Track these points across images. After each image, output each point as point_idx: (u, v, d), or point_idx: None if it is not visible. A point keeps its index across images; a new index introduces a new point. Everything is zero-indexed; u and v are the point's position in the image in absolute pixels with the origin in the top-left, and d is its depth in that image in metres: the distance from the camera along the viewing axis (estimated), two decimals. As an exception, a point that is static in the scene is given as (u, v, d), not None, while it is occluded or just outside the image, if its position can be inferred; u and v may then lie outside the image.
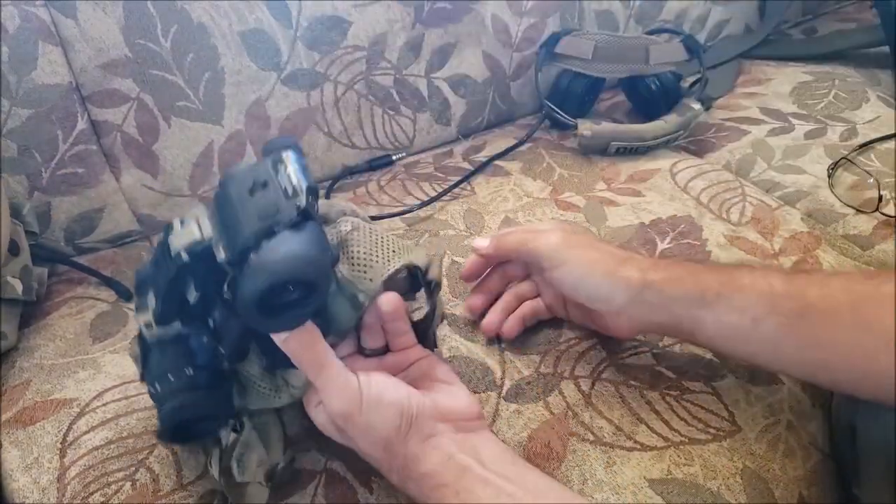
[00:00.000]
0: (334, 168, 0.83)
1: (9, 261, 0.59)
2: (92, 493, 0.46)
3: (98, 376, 0.55)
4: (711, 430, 0.49)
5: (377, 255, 0.40)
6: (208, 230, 0.37)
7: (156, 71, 0.69)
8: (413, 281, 0.44)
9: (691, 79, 0.92)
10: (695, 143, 0.86)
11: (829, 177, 0.74)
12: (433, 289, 0.45)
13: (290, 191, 0.36)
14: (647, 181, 0.77)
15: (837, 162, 0.75)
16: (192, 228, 0.38)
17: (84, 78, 0.67)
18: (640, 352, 0.54)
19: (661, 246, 0.66)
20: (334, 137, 0.81)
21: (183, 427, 0.41)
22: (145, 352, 0.42)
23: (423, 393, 0.40)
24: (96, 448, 0.49)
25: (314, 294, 0.35)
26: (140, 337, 0.42)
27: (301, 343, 0.37)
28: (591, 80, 0.87)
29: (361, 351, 0.44)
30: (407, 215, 0.72)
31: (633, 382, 0.52)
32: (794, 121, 0.87)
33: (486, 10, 0.86)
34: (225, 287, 0.36)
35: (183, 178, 0.75)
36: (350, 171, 0.83)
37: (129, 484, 0.47)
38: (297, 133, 0.78)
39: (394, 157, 0.84)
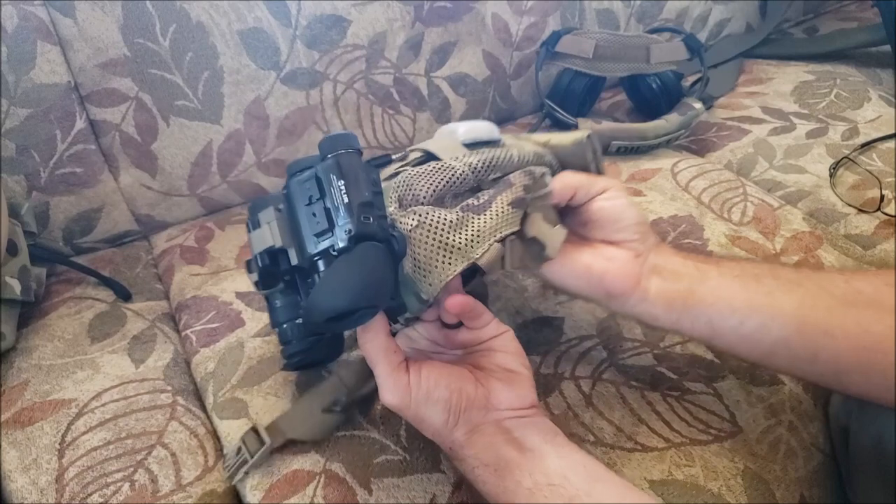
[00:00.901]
0: (334, 167, 0.83)
1: (7, 261, 0.59)
2: (90, 494, 0.46)
3: (96, 377, 0.55)
4: (712, 431, 0.49)
5: (438, 258, 0.40)
6: (278, 237, 0.41)
7: (154, 70, 0.69)
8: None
9: (692, 78, 0.92)
10: (696, 142, 0.86)
11: (830, 176, 0.74)
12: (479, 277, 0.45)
13: (341, 210, 0.38)
14: (648, 180, 0.77)
15: (839, 161, 0.75)
16: (265, 234, 0.41)
17: (83, 77, 0.67)
18: (640, 352, 0.54)
19: (662, 246, 0.66)
20: (334, 137, 0.81)
21: (301, 363, 0.47)
22: (267, 297, 0.45)
23: (479, 383, 0.42)
24: (95, 449, 0.49)
25: (375, 309, 0.38)
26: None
27: (365, 335, 0.40)
28: (591, 79, 0.87)
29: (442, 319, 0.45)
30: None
31: (633, 383, 0.51)
32: (796, 120, 0.86)
33: (486, 9, 0.85)
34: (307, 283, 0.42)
35: (182, 177, 0.75)
36: (350, 171, 0.83)
37: (127, 485, 0.47)
38: (295, 132, 0.78)
39: (393, 157, 0.84)
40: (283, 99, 0.76)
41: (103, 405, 0.52)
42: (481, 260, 0.41)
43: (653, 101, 0.86)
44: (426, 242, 0.40)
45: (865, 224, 0.68)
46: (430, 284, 0.40)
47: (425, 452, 0.47)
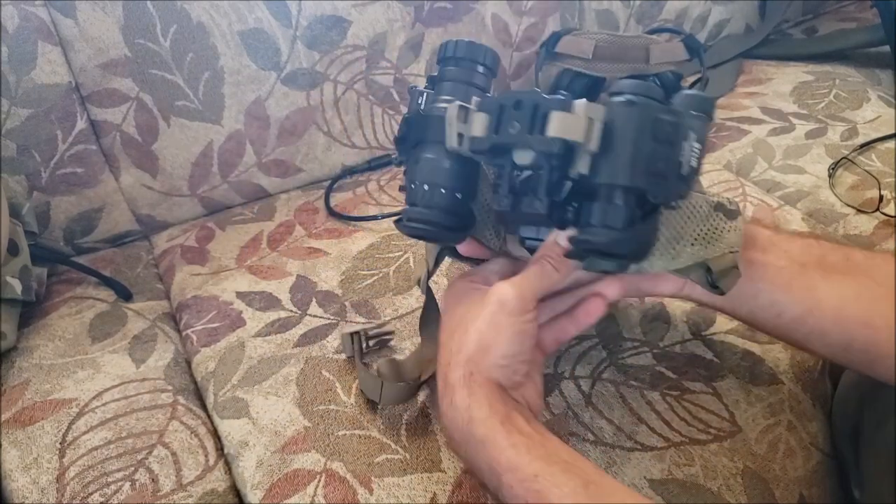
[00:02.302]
0: (334, 168, 0.83)
1: (8, 261, 0.59)
2: (91, 494, 0.46)
3: (97, 376, 0.55)
4: (712, 431, 0.49)
5: (663, 250, 0.39)
6: (596, 141, 0.34)
7: (155, 70, 0.69)
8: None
9: (692, 78, 0.92)
10: (695, 142, 0.86)
11: (829, 177, 0.74)
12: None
13: (685, 170, 0.34)
14: (648, 181, 0.77)
15: (838, 162, 0.75)
16: (579, 125, 0.34)
17: (83, 77, 0.67)
18: (640, 352, 0.54)
19: (662, 246, 0.66)
20: (334, 137, 0.81)
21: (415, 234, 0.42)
22: (411, 135, 0.41)
23: (528, 375, 0.41)
24: (95, 448, 0.49)
25: None
26: (413, 119, 0.42)
27: (566, 262, 0.39)
28: (591, 80, 0.87)
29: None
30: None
31: (633, 382, 0.51)
32: (795, 120, 0.86)
33: (486, 10, 0.86)
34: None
35: (182, 177, 0.75)
36: (350, 171, 0.83)
37: (128, 484, 0.47)
38: (296, 133, 0.78)
39: (393, 157, 0.84)
40: (284, 99, 0.76)
41: (104, 405, 0.53)
42: (714, 263, 0.40)
43: (652, 101, 0.86)
44: (666, 227, 0.39)
45: (864, 224, 0.68)
46: (651, 265, 0.40)
47: (426, 451, 0.47)
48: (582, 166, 0.35)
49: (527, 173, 0.37)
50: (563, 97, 0.36)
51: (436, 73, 0.44)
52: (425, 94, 0.43)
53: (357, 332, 0.54)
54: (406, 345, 0.56)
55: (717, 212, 0.40)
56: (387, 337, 0.56)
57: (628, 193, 0.34)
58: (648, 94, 0.35)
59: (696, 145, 0.34)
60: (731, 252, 0.40)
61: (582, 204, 0.36)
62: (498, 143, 0.37)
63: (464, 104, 0.39)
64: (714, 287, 0.41)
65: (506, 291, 0.38)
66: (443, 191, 0.40)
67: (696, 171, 0.35)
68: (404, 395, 0.49)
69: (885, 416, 0.46)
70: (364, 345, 0.54)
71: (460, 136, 0.38)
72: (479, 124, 0.37)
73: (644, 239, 0.36)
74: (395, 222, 0.43)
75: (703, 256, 0.40)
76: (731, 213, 0.41)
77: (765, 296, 0.42)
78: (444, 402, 0.39)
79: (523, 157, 0.36)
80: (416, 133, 0.42)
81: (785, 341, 0.47)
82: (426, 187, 0.40)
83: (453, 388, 0.38)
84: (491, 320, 0.38)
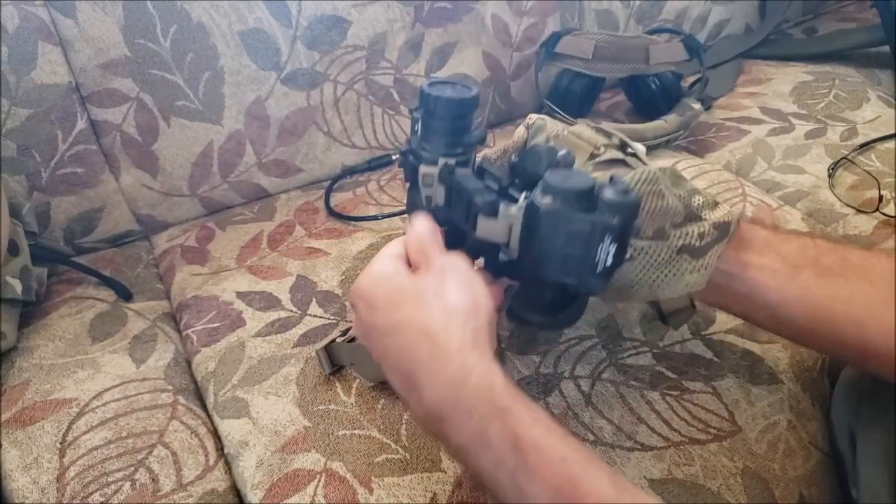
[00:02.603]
0: (334, 168, 0.83)
1: (8, 261, 0.59)
2: (91, 494, 0.46)
3: (97, 376, 0.55)
4: (711, 430, 0.49)
5: (615, 294, 0.41)
6: (516, 247, 0.39)
7: (155, 71, 0.69)
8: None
9: (691, 78, 0.92)
10: (695, 142, 0.86)
11: (829, 177, 0.74)
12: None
13: (600, 269, 0.36)
14: (648, 181, 0.77)
15: (838, 162, 0.75)
16: (499, 226, 0.38)
17: (84, 78, 0.67)
18: (640, 352, 0.54)
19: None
20: (334, 137, 0.81)
21: None
22: (407, 166, 0.44)
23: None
24: (96, 448, 0.49)
25: None
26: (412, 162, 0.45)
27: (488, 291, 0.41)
28: (591, 80, 0.87)
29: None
30: (406, 215, 0.72)
31: (633, 382, 0.51)
32: (795, 120, 0.86)
33: (486, 10, 0.86)
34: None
35: (182, 177, 0.75)
36: (350, 171, 0.83)
37: (128, 484, 0.47)
38: (296, 133, 0.78)
39: (394, 157, 0.84)
40: (284, 99, 0.76)
41: (104, 404, 0.53)
42: (665, 303, 0.43)
43: (652, 101, 0.86)
44: (624, 276, 0.40)
45: (864, 224, 0.68)
46: (604, 299, 0.42)
47: (426, 451, 0.47)
48: (511, 253, 0.39)
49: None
50: (492, 197, 0.39)
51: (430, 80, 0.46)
52: (418, 124, 0.43)
53: (333, 340, 0.54)
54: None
55: (680, 255, 0.41)
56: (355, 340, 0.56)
57: (550, 283, 0.38)
58: (572, 196, 0.36)
59: (613, 247, 0.36)
60: (686, 293, 0.42)
61: (517, 274, 0.41)
62: (450, 218, 0.42)
63: (428, 170, 0.42)
64: (664, 322, 0.43)
65: (453, 258, 0.39)
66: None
67: (613, 269, 0.37)
68: None
69: (881, 414, 0.46)
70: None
71: (428, 198, 0.43)
72: (439, 194, 0.42)
73: (569, 314, 0.41)
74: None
75: (657, 297, 0.41)
76: (698, 250, 0.41)
77: (758, 297, 0.42)
78: (447, 370, 0.35)
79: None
80: (411, 167, 0.45)
81: (779, 335, 0.47)
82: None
83: (462, 353, 0.35)
84: (463, 280, 0.38)
